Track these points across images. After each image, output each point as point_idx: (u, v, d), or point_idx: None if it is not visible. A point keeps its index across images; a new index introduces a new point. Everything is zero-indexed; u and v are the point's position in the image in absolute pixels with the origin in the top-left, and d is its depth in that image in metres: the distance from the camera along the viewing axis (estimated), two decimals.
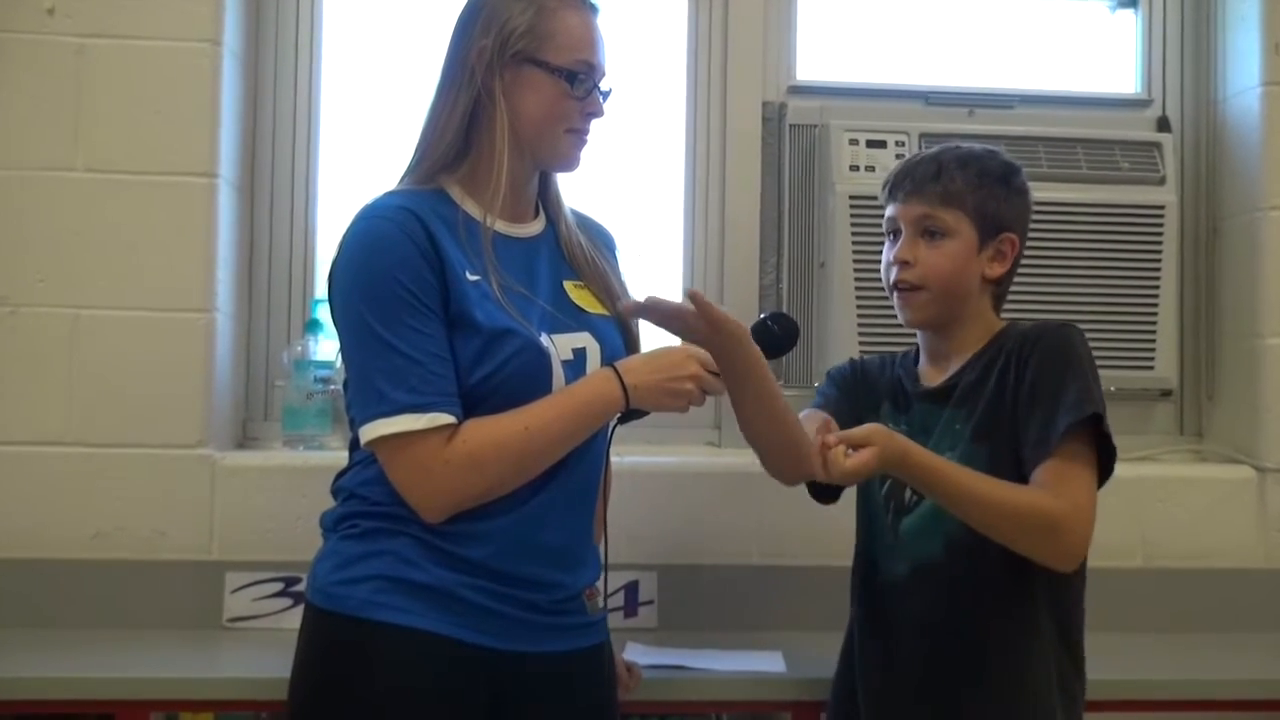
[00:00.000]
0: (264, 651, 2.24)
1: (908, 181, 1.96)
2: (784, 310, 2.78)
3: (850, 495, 2.06)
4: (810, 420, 1.97)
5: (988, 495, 1.78)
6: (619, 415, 1.86)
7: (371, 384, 1.76)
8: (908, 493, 1.93)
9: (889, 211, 1.99)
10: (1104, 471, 1.85)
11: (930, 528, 1.87)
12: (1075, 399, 1.81)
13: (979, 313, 1.98)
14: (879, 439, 1.72)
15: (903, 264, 1.94)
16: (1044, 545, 1.80)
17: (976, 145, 2.01)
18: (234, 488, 2.62)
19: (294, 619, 1.91)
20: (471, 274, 1.81)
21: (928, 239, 1.94)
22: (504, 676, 1.82)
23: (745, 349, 1.79)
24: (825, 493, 2.05)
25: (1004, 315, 2.03)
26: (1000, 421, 1.87)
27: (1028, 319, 2.61)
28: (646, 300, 1.76)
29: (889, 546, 1.94)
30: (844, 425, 1.96)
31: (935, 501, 1.81)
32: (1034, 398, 1.85)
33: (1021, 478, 1.84)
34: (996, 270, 1.96)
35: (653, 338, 1.96)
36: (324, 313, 2.67)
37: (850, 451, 1.70)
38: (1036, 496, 1.79)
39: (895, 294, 1.97)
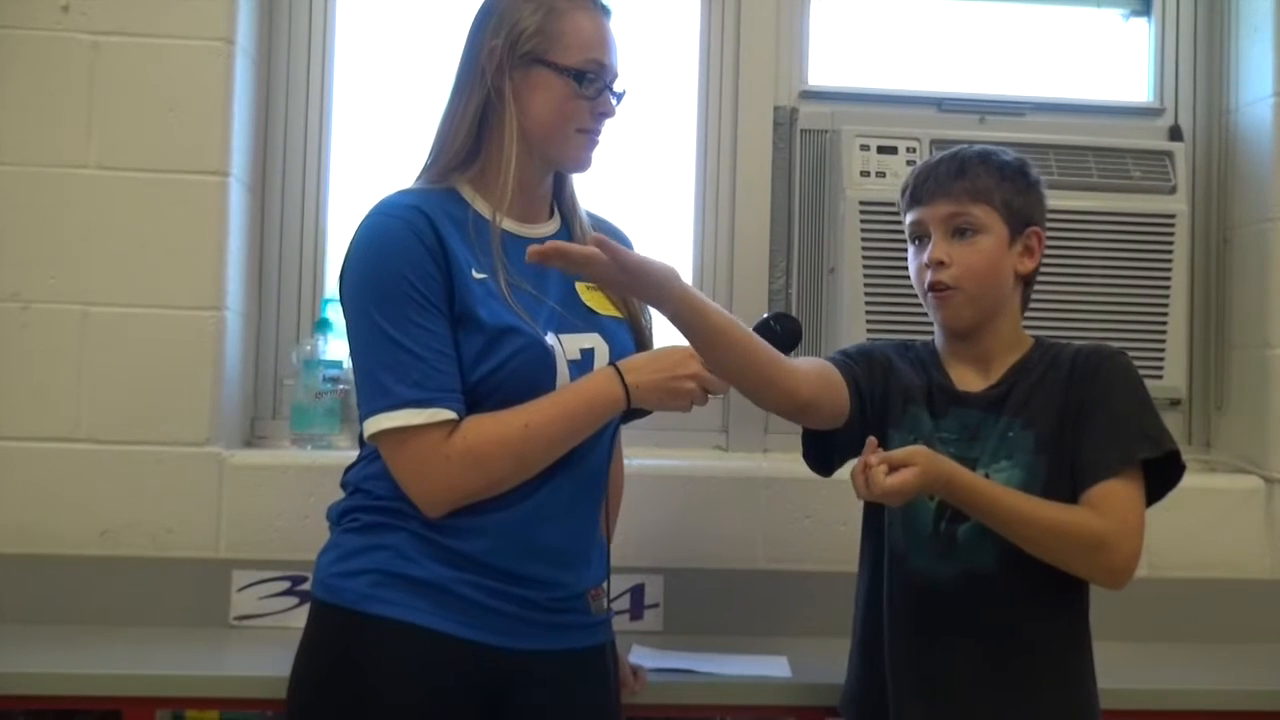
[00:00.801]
0: (270, 650, 2.23)
1: (930, 182, 1.94)
2: (791, 313, 2.79)
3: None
4: (817, 368, 1.94)
5: (1034, 515, 1.80)
6: (622, 415, 1.87)
7: (376, 379, 1.78)
8: None
9: (912, 216, 1.97)
10: (1166, 488, 1.90)
11: (986, 535, 1.86)
12: (1151, 432, 1.86)
13: (1011, 313, 1.97)
14: (921, 459, 1.71)
15: (938, 265, 1.91)
16: (1091, 562, 1.82)
17: (986, 145, 2.00)
18: (242, 486, 2.63)
19: (300, 618, 1.92)
20: (478, 272, 1.83)
21: (959, 237, 1.92)
22: (501, 673, 1.82)
23: (664, 291, 1.71)
24: (822, 463, 2.05)
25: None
26: (1065, 436, 1.88)
27: (1038, 327, 2.62)
28: (548, 246, 1.65)
29: (938, 549, 1.91)
30: (858, 393, 1.97)
31: (983, 522, 1.81)
32: (1100, 419, 1.86)
33: (1074, 489, 1.86)
34: (1027, 265, 1.95)
35: (665, 339, 1.96)
36: (334, 312, 2.69)
37: (891, 471, 1.69)
38: (1082, 515, 1.81)
39: (931, 297, 1.94)
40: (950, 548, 1.89)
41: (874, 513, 2.01)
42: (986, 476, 1.87)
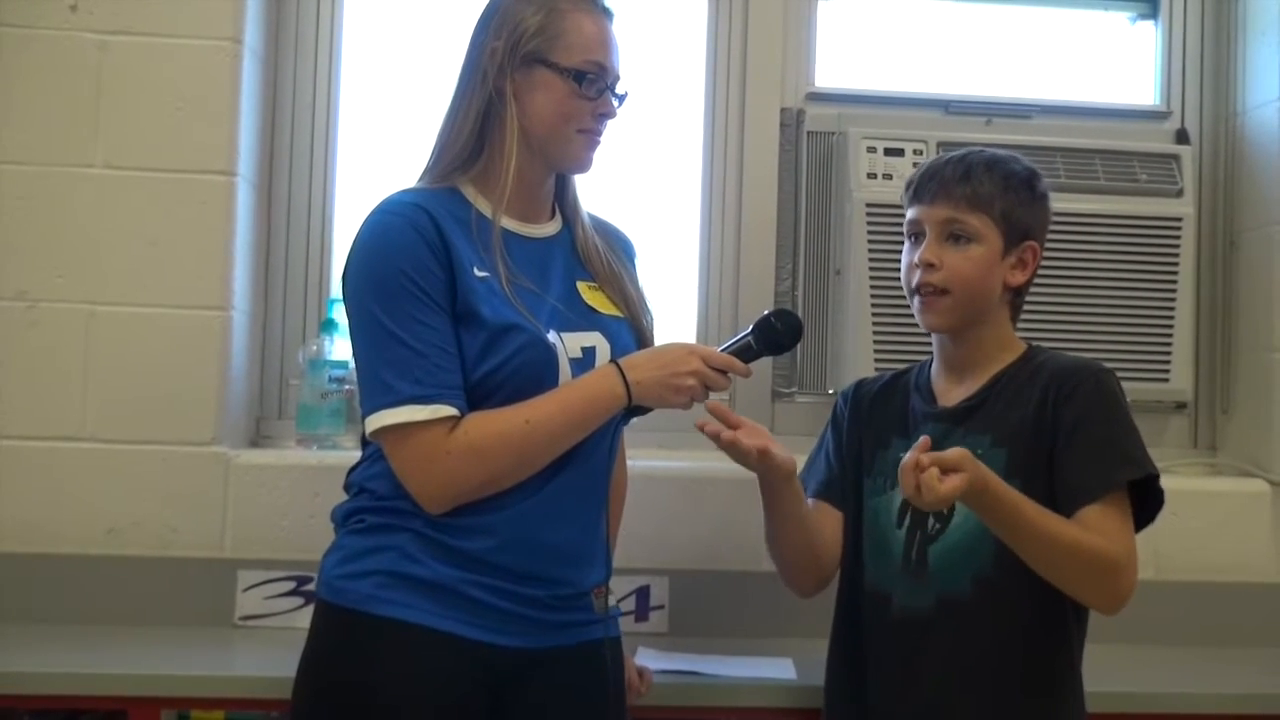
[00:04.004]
0: (275, 650, 2.24)
1: (933, 183, 1.93)
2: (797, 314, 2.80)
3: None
4: (830, 525, 2.05)
5: (1058, 534, 1.75)
6: (623, 412, 1.87)
7: (377, 375, 1.79)
8: (931, 520, 1.90)
9: (911, 214, 1.96)
10: (1148, 519, 1.87)
11: (958, 561, 1.85)
12: (1134, 454, 1.83)
13: (998, 322, 1.97)
14: (968, 465, 1.65)
15: (927, 266, 1.91)
16: (1102, 588, 1.80)
17: (999, 150, 1.99)
18: (247, 486, 2.63)
19: (305, 618, 1.92)
20: (480, 270, 1.84)
21: (952, 243, 1.91)
22: (505, 671, 1.83)
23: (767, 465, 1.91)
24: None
25: (1019, 328, 2.02)
26: (1039, 460, 1.86)
27: (1044, 330, 2.64)
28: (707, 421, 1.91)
29: (910, 577, 1.90)
30: (852, 458, 2.05)
31: (1001, 534, 1.75)
32: (1080, 441, 1.83)
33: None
34: (1018, 278, 1.95)
35: (667, 339, 1.97)
36: (340, 312, 2.68)
37: (942, 476, 1.64)
38: (1101, 541, 1.77)
39: (916, 298, 1.94)
40: (922, 574, 1.89)
41: (846, 548, 2.04)
42: None
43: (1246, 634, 2.72)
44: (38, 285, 2.60)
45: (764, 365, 2.83)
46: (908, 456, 1.66)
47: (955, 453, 1.67)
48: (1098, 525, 1.79)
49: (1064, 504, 1.83)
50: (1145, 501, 1.86)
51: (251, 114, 2.73)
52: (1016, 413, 1.89)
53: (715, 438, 1.87)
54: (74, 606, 2.53)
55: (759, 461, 1.90)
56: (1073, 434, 1.84)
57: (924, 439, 1.69)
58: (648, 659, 2.29)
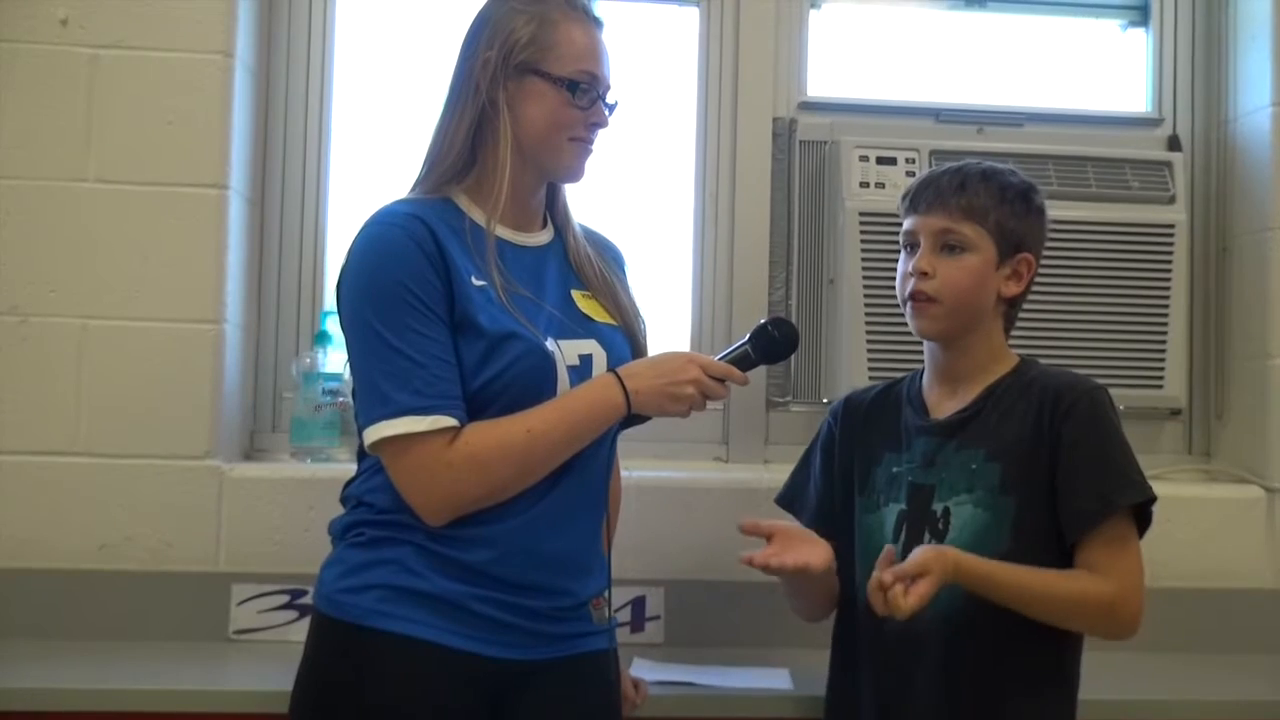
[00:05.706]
0: (270, 664, 2.23)
1: (929, 193, 1.94)
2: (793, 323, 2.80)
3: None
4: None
5: (1045, 592, 1.80)
6: (621, 421, 1.87)
7: (375, 387, 1.78)
8: (926, 536, 1.90)
9: (907, 224, 1.97)
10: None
11: None
12: (1133, 477, 1.85)
13: (990, 333, 1.97)
14: (932, 566, 1.72)
15: (920, 274, 1.91)
16: (1101, 627, 1.86)
17: (995, 163, 2.00)
18: (241, 499, 2.62)
19: (300, 631, 1.92)
20: (477, 279, 1.84)
21: (947, 252, 1.92)
22: (504, 683, 1.83)
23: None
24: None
25: (1013, 336, 2.02)
26: (1036, 477, 1.86)
27: (1037, 338, 2.64)
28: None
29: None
30: (843, 477, 2.04)
31: (998, 601, 1.80)
32: (1080, 463, 1.84)
33: (1051, 530, 1.85)
34: (1012, 290, 1.95)
35: (661, 348, 1.97)
36: (333, 325, 2.68)
37: (908, 585, 1.70)
38: (1090, 584, 1.81)
39: (909, 305, 1.94)
40: None
41: (841, 556, 2.03)
42: (946, 509, 1.88)
43: (1241, 640, 2.72)
44: (30, 300, 2.60)
45: (758, 375, 2.81)
46: (873, 577, 1.72)
47: (919, 560, 1.73)
48: (1098, 560, 1.82)
49: (1066, 531, 1.84)
50: (1136, 520, 1.87)
51: (243, 127, 2.73)
52: (1011, 427, 1.90)
53: (765, 568, 1.90)
54: (68, 622, 2.52)
55: (804, 578, 1.92)
56: (1071, 457, 1.85)
57: (887, 549, 1.75)
58: (643, 670, 2.29)
